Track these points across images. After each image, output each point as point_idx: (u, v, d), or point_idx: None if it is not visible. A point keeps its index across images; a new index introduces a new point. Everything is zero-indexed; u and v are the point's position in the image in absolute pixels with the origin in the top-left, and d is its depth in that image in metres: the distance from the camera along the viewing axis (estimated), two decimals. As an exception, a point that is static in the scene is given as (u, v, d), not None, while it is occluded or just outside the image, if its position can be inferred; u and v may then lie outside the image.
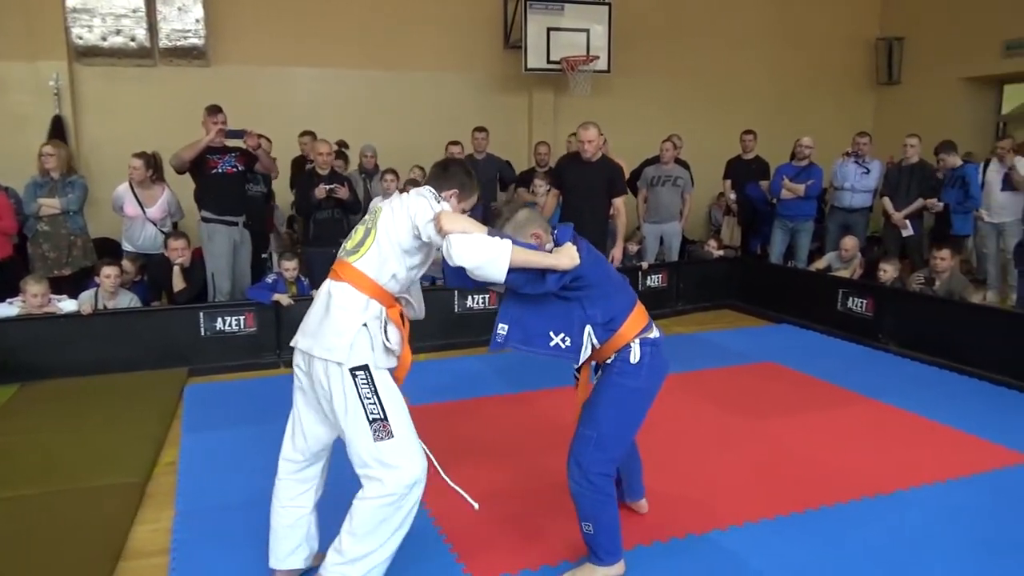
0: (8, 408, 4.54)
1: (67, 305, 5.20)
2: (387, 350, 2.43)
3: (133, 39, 7.58)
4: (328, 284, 2.49)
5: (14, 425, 4.27)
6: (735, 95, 9.94)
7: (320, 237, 6.10)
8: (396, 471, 2.37)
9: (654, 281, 7.06)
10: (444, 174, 2.66)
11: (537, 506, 3.27)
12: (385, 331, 2.42)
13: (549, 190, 5.67)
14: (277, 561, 2.66)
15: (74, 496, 3.37)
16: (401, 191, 6.28)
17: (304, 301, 5.64)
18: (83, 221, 5.91)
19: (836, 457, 3.77)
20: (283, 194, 7.25)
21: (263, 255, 6.48)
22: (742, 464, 3.65)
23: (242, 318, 5.45)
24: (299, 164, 7.09)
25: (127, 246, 6.01)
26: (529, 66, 8.49)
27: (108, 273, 5.30)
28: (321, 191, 5.92)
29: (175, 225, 6.25)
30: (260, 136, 5.95)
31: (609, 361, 2.61)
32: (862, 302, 6.11)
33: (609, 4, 8.59)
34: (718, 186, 8.47)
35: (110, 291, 5.33)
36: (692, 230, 9.10)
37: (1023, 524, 3.13)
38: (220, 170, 5.74)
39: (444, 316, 6.03)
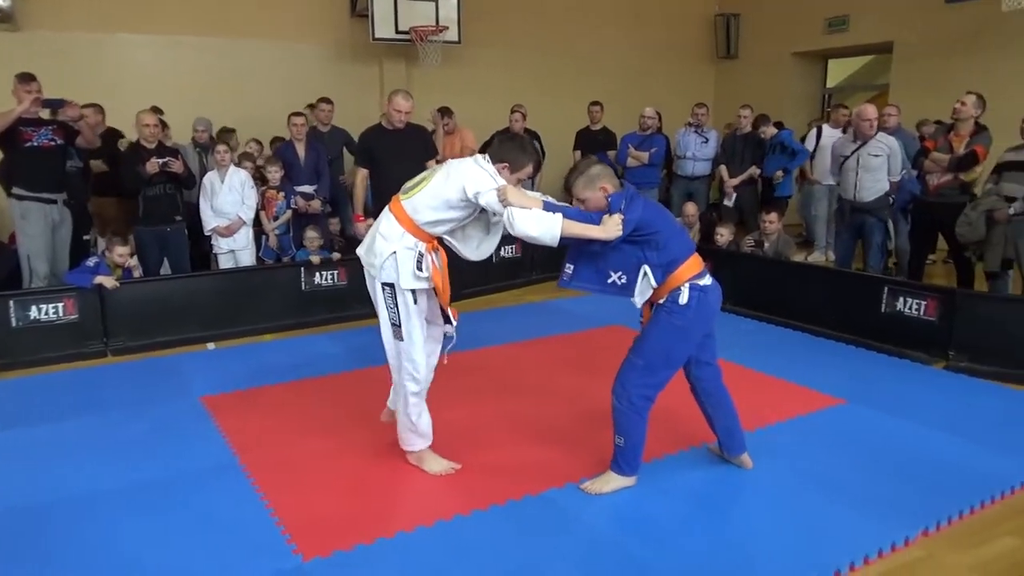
0: None
1: None
2: (416, 276, 2.98)
3: (-78, -2, 6.74)
4: (385, 210, 3.10)
5: None
6: (583, 67, 10.11)
7: (152, 215, 5.67)
8: (409, 365, 3.07)
9: (508, 252, 7.09)
10: (499, 147, 3.04)
11: (379, 477, 3.22)
12: (419, 261, 2.97)
13: (356, 171, 5.45)
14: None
15: None
16: (237, 164, 6.01)
17: (133, 284, 5.28)
18: None
19: (672, 411, 3.91)
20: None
21: (85, 236, 5.96)
22: (592, 422, 3.73)
23: (61, 305, 5.00)
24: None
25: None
26: (377, 35, 8.25)
27: None
28: (153, 165, 5.49)
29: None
30: (86, 107, 5.46)
31: (662, 301, 2.93)
32: (701, 265, 6.40)
33: (457, -26, 8.47)
34: (568, 156, 8.60)
35: None
36: (547, 201, 9.21)
37: (836, 460, 3.40)
38: (35, 143, 5.22)
39: (291, 294, 5.81)
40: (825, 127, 7.73)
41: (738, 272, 6.13)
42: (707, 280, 2.98)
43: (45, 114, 5.44)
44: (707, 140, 7.63)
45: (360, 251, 3.19)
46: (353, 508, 3.01)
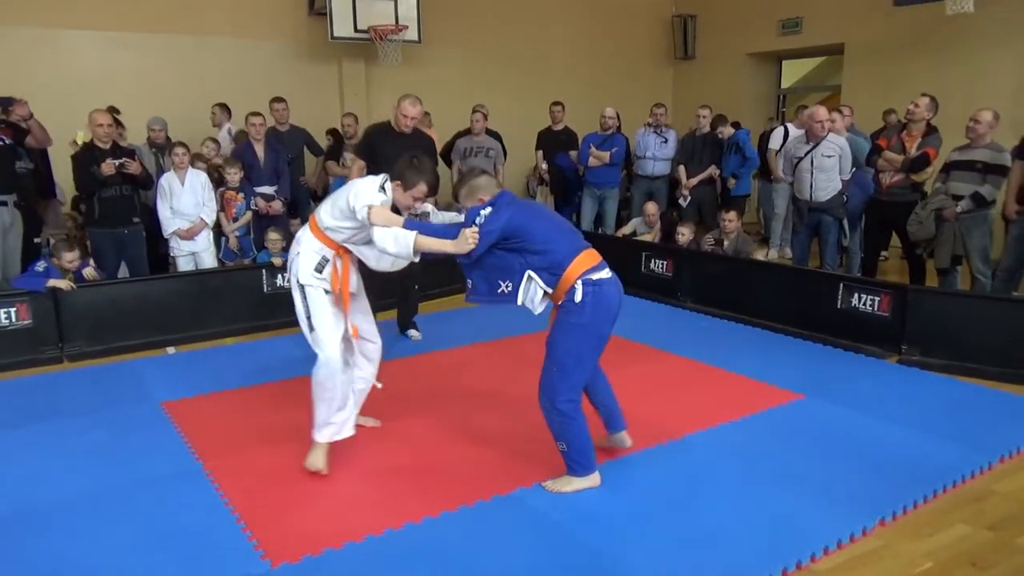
0: None
1: None
2: (314, 275, 3.23)
3: None
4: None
5: None
6: (545, 67, 10.18)
7: (107, 216, 5.55)
8: (320, 354, 3.24)
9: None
10: (397, 166, 3.24)
11: (345, 481, 3.22)
12: (322, 264, 3.24)
13: (355, 160, 5.49)
14: None
15: None
16: (192, 164, 5.92)
17: (89, 288, 5.16)
18: None
19: (634, 409, 3.96)
20: (63, 173, 6.52)
21: (36, 239, 5.80)
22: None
23: (13, 310, 4.87)
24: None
25: None
26: (335, 34, 8.19)
27: None
28: (109, 166, 5.36)
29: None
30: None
31: (560, 303, 2.96)
32: (663, 263, 6.51)
33: (417, -27, 8.45)
34: (531, 157, 8.65)
35: None
36: (510, 201, 9.24)
37: (796, 452, 3.48)
38: None
39: (253, 297, 5.73)
40: (790, 127, 7.87)
41: (699, 270, 6.24)
42: (603, 273, 2.99)
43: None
44: (666, 140, 7.73)
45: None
46: (320, 512, 3.00)
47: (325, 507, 3.04)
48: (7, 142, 5.25)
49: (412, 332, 5.40)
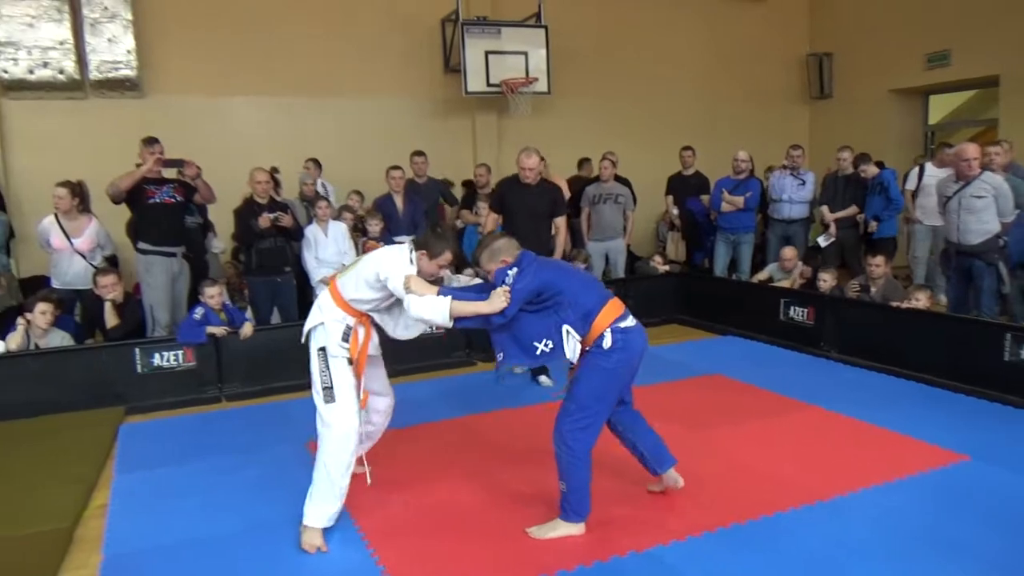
0: (-71, 457, 4.32)
1: (-5, 346, 5.01)
2: (340, 345, 3.25)
3: (62, 71, 7.40)
4: (327, 287, 3.40)
5: (-65, 475, 4.06)
6: (673, 112, 10.13)
7: (263, 266, 5.99)
8: (338, 422, 3.20)
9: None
10: (421, 237, 3.31)
11: (495, 525, 3.24)
12: (346, 333, 3.27)
13: (488, 213, 5.66)
14: None
15: (-4, 547, 3.21)
16: (336, 217, 6.27)
17: (234, 334, 5.51)
18: (6, 259, 5.71)
19: (778, 466, 3.80)
20: (223, 225, 7.09)
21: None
22: (685, 477, 3.64)
23: (180, 353, 5.30)
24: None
25: (55, 282, 5.79)
26: (469, 89, 8.52)
27: (44, 309, 5.10)
28: (265, 220, 5.81)
29: (111, 260, 6.07)
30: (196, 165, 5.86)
31: (588, 348, 3.06)
32: (803, 311, 6.23)
33: (546, 27, 8.69)
34: (661, 202, 8.58)
35: (43, 328, 5.12)
36: (640, 246, 9.19)
37: (959, 522, 3.19)
38: (158, 200, 5.62)
39: (389, 341, 5.90)
40: (928, 165, 7.43)
41: (844, 318, 5.92)
42: (630, 322, 3.11)
43: (172, 174, 5.83)
44: (804, 182, 7.46)
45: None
46: (461, 556, 3.02)
47: (467, 550, 3.06)
48: (179, 199, 5.77)
49: (543, 378, 5.41)
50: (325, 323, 3.28)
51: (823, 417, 4.54)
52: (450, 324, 3.08)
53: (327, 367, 3.24)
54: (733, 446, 4.10)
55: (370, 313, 3.36)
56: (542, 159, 5.42)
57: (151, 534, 3.32)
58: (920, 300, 5.56)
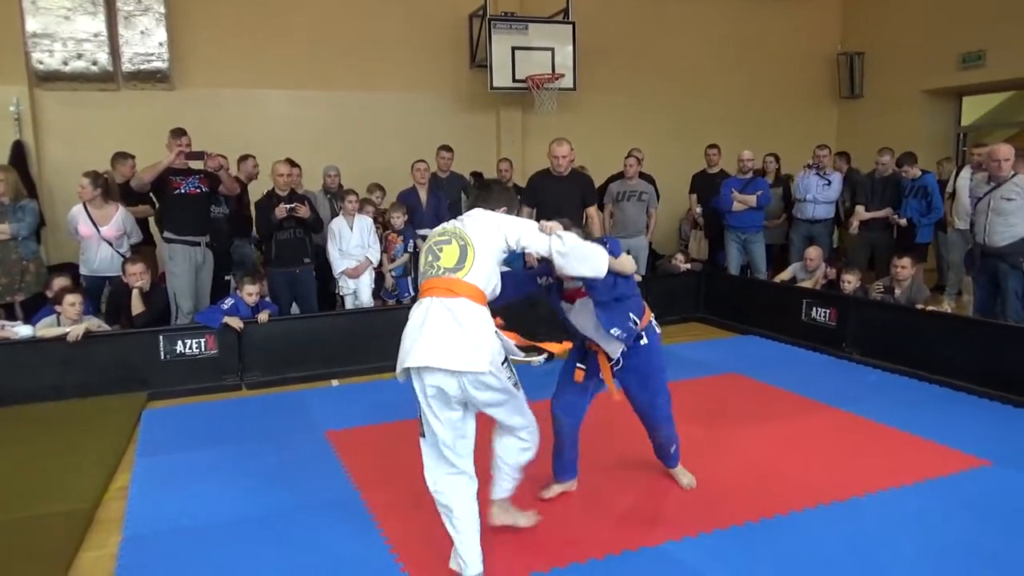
0: (-41, 437, 4.43)
1: (22, 330, 5.11)
2: (503, 347, 2.70)
3: (95, 63, 7.53)
4: (441, 301, 2.61)
5: (-37, 454, 4.17)
6: (699, 110, 10.05)
7: (282, 257, 6.04)
8: (531, 423, 2.93)
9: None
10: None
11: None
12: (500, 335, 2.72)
13: (522, 208, 5.68)
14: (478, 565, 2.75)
15: (19, 525, 3.29)
16: (359, 210, 6.31)
17: (265, 324, 5.59)
18: (36, 246, 5.82)
19: (795, 465, 3.77)
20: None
21: (226, 277, 6.42)
22: (701, 474, 3.63)
23: (203, 340, 5.38)
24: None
25: (84, 270, 5.90)
26: (495, 85, 8.53)
27: (72, 301, 5.19)
28: (281, 210, 5.86)
29: (136, 248, 6.17)
30: (219, 156, 5.93)
31: (640, 341, 3.21)
32: (825, 312, 6.16)
33: (573, 23, 8.67)
34: (685, 200, 8.53)
35: (72, 319, 5.22)
36: (663, 244, 9.15)
37: (978, 528, 3.14)
38: (183, 191, 5.73)
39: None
40: (965, 168, 7.30)
41: (867, 320, 5.84)
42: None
43: (200, 165, 5.92)
44: (830, 182, 7.38)
45: (434, 360, 2.56)
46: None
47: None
48: (204, 190, 5.85)
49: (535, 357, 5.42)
50: (496, 332, 2.68)
51: (842, 419, 4.48)
52: (603, 275, 2.83)
53: (512, 371, 2.76)
54: (750, 445, 4.07)
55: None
56: (572, 149, 5.45)
57: (170, 516, 3.38)
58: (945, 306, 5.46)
